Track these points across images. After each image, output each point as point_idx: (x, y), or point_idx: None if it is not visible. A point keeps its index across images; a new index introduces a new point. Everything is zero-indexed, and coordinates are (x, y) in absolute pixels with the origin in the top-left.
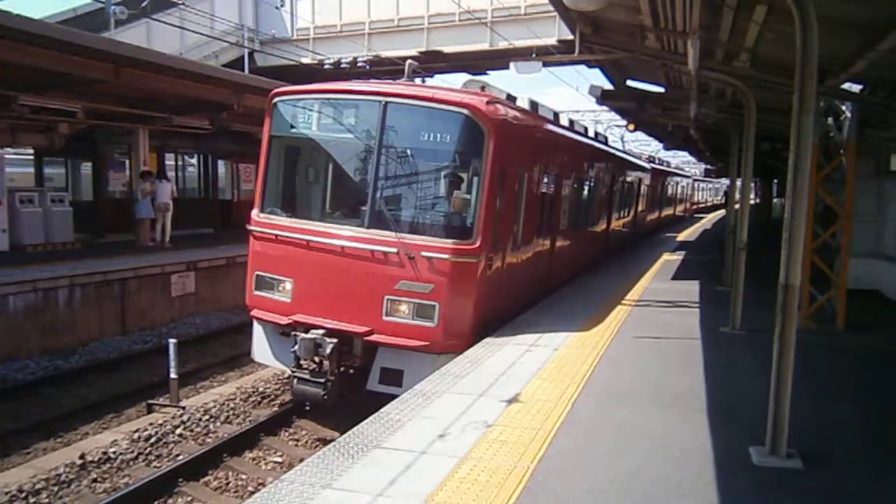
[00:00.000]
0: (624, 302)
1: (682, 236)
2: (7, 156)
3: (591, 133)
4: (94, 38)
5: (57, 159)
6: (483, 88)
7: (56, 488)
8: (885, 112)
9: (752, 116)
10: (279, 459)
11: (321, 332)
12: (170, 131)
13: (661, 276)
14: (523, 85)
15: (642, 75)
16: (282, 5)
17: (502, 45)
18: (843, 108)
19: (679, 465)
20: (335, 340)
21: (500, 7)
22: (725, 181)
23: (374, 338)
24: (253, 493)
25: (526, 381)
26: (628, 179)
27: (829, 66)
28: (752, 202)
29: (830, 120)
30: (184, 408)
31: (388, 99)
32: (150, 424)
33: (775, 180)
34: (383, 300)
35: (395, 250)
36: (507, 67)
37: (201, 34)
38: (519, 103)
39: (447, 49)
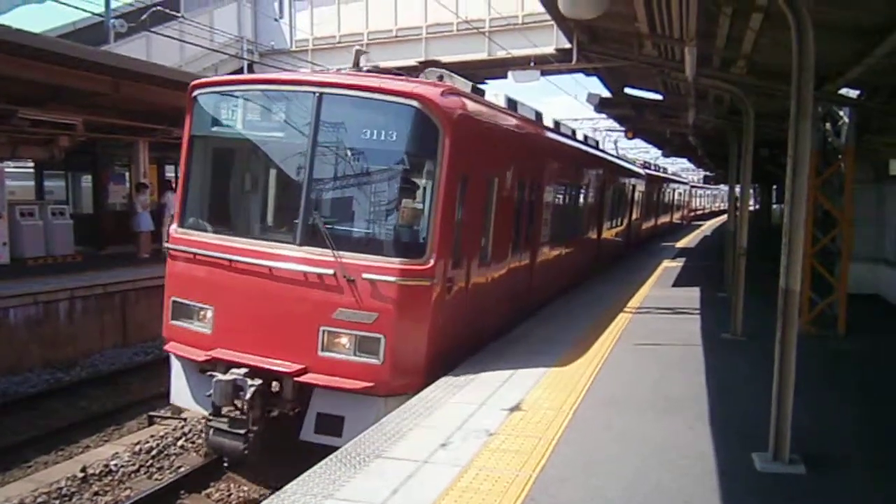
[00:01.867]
0: (625, 309)
1: (680, 244)
2: (7, 169)
3: (579, 136)
4: (94, 52)
5: (57, 172)
6: (441, 78)
7: (57, 502)
8: (883, 117)
9: (750, 123)
10: (281, 471)
11: (244, 370)
12: (170, 143)
13: (662, 283)
14: (523, 95)
15: (640, 83)
16: (280, 17)
17: (500, 54)
18: (841, 113)
19: (681, 472)
20: (259, 382)
21: (497, 17)
22: (724, 188)
23: (306, 378)
24: None
25: (527, 390)
26: (621, 186)
27: (826, 71)
28: (751, 208)
29: (828, 125)
30: (185, 419)
31: (322, 89)
32: (152, 436)
33: (774, 186)
34: (319, 332)
35: (331, 272)
36: (505, 76)
37: (201, 46)
38: (494, 100)
39: (445, 59)
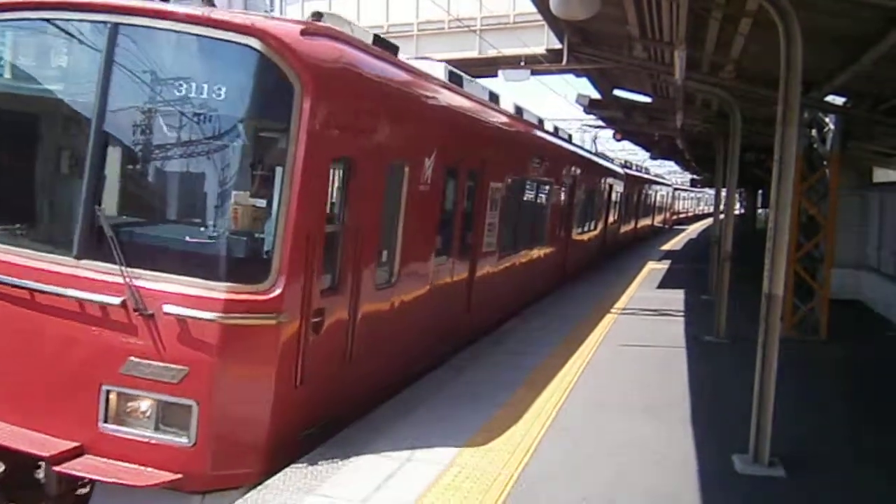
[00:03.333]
0: (612, 310)
1: (664, 248)
2: None
3: (548, 127)
4: None
5: None
6: (320, 17)
7: None
8: (868, 125)
9: (737, 127)
10: None
11: None
12: None
13: (647, 286)
14: (514, 95)
15: (629, 85)
16: (271, 10)
17: (491, 52)
18: (827, 120)
19: (663, 473)
20: (1, 468)
21: (488, 15)
22: (708, 191)
23: (78, 465)
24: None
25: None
26: (596, 186)
27: (813, 78)
28: (737, 212)
29: (814, 132)
30: None
31: (119, 18)
32: None
33: (760, 191)
34: (100, 393)
35: (118, 301)
36: (495, 75)
37: None
38: (435, 72)
39: (436, 56)
